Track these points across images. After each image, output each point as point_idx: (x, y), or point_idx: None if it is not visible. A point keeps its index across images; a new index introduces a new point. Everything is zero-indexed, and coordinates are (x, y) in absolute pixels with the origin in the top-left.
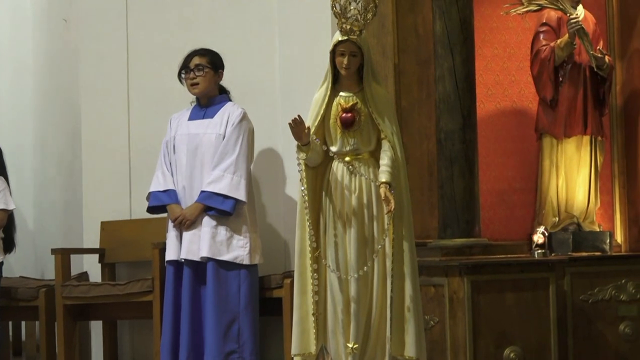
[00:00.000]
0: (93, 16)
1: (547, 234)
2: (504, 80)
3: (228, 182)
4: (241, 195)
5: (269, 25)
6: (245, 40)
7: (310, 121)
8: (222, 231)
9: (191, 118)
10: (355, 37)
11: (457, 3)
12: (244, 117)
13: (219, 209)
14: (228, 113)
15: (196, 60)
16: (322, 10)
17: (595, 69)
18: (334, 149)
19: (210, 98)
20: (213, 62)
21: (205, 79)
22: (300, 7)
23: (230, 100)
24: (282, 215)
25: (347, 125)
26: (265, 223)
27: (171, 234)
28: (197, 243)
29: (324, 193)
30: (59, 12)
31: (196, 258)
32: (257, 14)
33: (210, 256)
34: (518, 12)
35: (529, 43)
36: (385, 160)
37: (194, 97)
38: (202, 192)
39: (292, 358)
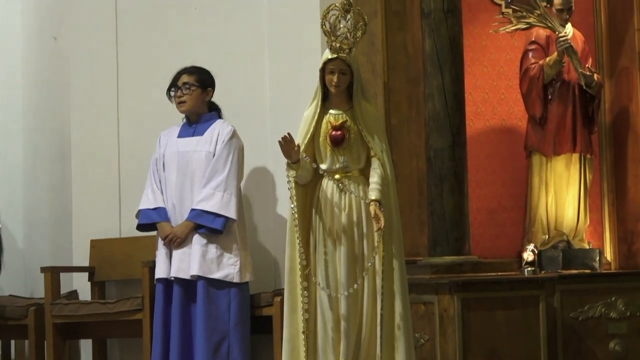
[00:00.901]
0: (83, 34)
1: (537, 252)
2: (493, 98)
3: (218, 200)
4: (231, 213)
5: (259, 43)
6: (235, 58)
7: (300, 139)
8: (213, 249)
9: (180, 135)
10: (345, 55)
11: (446, 21)
12: (234, 135)
13: (209, 227)
14: (218, 130)
15: (184, 78)
16: (312, 28)
17: (584, 87)
18: (323, 166)
19: (199, 115)
20: (201, 80)
21: (191, 97)
22: (290, 25)
23: (221, 118)
24: (272, 233)
25: (337, 142)
26: (255, 241)
27: (161, 252)
28: (187, 261)
29: (314, 211)
30: (48, 29)
31: (186, 276)
32: (247, 31)
33: (201, 274)
34: (507, 30)
35: (518, 61)
36: (375, 177)
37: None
38: (192, 210)
39: None
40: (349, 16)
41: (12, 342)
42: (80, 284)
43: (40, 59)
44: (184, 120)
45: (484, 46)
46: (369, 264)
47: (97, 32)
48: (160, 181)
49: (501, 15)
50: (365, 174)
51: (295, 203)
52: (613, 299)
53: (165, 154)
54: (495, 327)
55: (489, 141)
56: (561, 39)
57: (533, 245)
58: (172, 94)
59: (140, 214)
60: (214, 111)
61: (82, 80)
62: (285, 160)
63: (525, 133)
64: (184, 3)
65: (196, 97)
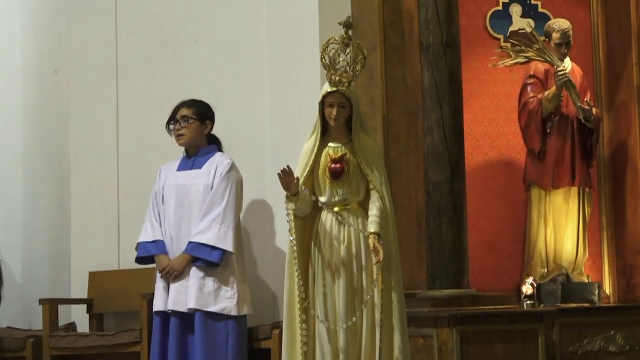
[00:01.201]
0: (83, 67)
1: (535, 285)
2: (492, 131)
3: (215, 233)
4: (228, 245)
5: (259, 76)
6: (235, 91)
7: (299, 171)
8: (210, 282)
9: (180, 168)
10: (344, 88)
11: (445, 55)
12: (232, 167)
13: (206, 259)
14: (216, 163)
15: (183, 111)
16: (311, 61)
17: (582, 121)
18: (322, 199)
19: (198, 148)
20: (199, 113)
21: (190, 130)
22: (289, 58)
23: (221, 151)
24: (271, 266)
25: (336, 175)
26: (254, 273)
27: (159, 285)
28: (185, 294)
29: (312, 243)
30: (49, 62)
31: (183, 309)
32: (247, 64)
33: (198, 307)
34: (506, 64)
35: (516, 95)
36: (374, 210)
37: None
38: (190, 242)
39: None
40: (348, 50)
41: None
42: (79, 316)
43: (41, 92)
44: (184, 153)
45: (483, 80)
46: (368, 297)
47: (98, 66)
48: (159, 214)
49: (500, 49)
50: (364, 206)
51: (294, 235)
52: (612, 332)
53: (164, 187)
54: None
55: (488, 174)
56: (560, 73)
57: (532, 278)
58: (171, 127)
59: (139, 246)
60: (214, 144)
61: (82, 113)
62: (285, 193)
63: (524, 166)
64: (184, 37)
65: (194, 129)
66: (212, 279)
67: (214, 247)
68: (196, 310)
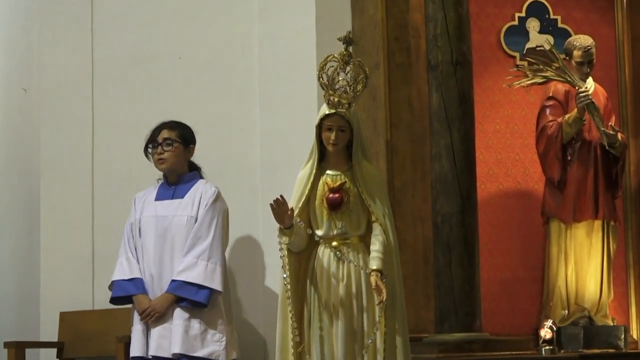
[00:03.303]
0: (55, 85)
1: (555, 329)
2: (506, 158)
3: (202, 270)
4: (217, 284)
5: (249, 96)
6: (222, 112)
7: (294, 202)
8: (196, 324)
9: (158, 198)
10: (344, 110)
11: (455, 75)
12: (218, 197)
13: (192, 300)
14: (200, 192)
15: (165, 133)
16: (308, 80)
17: (606, 147)
18: (319, 232)
19: (179, 175)
20: (183, 136)
21: (173, 154)
22: (284, 76)
23: (202, 178)
24: (261, 307)
25: (335, 206)
26: (241, 316)
27: (137, 328)
28: (168, 338)
29: (308, 281)
30: (18, 80)
31: (167, 355)
32: (235, 82)
33: (184, 352)
34: (522, 84)
35: (533, 118)
36: (376, 245)
37: (161, 174)
38: (173, 281)
39: None
40: (348, 68)
41: None
42: None
43: (9, 114)
44: (160, 180)
45: (497, 102)
46: (369, 341)
47: (71, 84)
48: (136, 249)
49: (515, 68)
50: (365, 241)
51: (288, 273)
52: None
53: (141, 218)
54: None
55: (502, 206)
56: (581, 94)
57: (551, 321)
58: (150, 150)
59: (114, 285)
60: (194, 170)
61: (53, 136)
62: (277, 226)
63: (542, 197)
64: (167, 53)
65: (178, 154)
66: (198, 321)
67: (200, 286)
68: (181, 355)
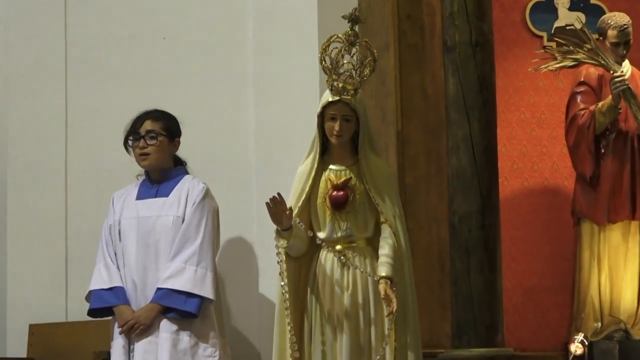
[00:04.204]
0: (24, 71)
1: (587, 343)
2: (532, 151)
3: (191, 276)
4: (208, 291)
5: (242, 81)
6: (211, 100)
7: (293, 201)
8: (185, 337)
9: (140, 197)
10: (349, 97)
11: (474, 57)
12: (207, 194)
13: (181, 309)
14: (187, 190)
15: (148, 125)
16: (308, 64)
17: None
18: (322, 235)
19: (163, 172)
20: (168, 128)
21: (158, 148)
22: (281, 59)
23: (188, 174)
24: (255, 318)
25: (339, 205)
26: (233, 328)
27: (117, 342)
28: (154, 353)
29: (309, 290)
30: None
31: None
32: (227, 66)
33: None
34: (550, 68)
35: (563, 106)
36: (385, 249)
37: (142, 170)
38: (159, 289)
39: None
40: (354, 50)
41: None
42: None
43: None
44: (140, 178)
45: (522, 87)
46: (378, 357)
47: (42, 69)
48: (116, 254)
49: (543, 50)
50: (373, 244)
51: (286, 280)
52: None
53: (121, 220)
54: None
55: (527, 205)
56: (617, 79)
57: (582, 335)
58: (131, 144)
59: (91, 295)
60: (179, 165)
61: (21, 127)
62: (274, 227)
63: (572, 196)
64: (149, 34)
65: (163, 148)
66: (187, 333)
67: (189, 294)
68: None
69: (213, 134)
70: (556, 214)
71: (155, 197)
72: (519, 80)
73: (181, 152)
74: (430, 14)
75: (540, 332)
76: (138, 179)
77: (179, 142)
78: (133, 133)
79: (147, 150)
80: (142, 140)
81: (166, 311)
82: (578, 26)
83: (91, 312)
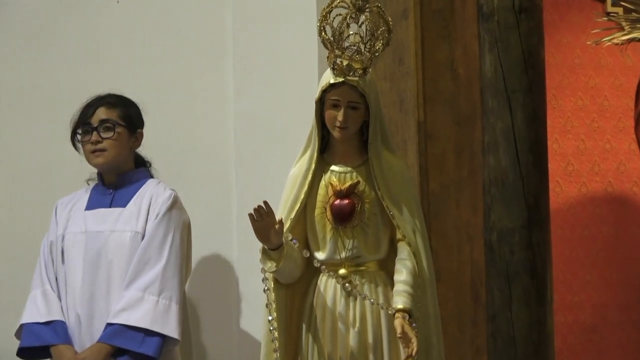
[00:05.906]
0: None
1: None
2: (593, 148)
3: (151, 309)
4: (172, 329)
5: (219, 59)
6: (181, 82)
7: (284, 212)
8: None
9: (91, 206)
10: (356, 78)
11: (518, 27)
12: (175, 203)
13: (137, 352)
14: (150, 197)
15: (102, 113)
16: (304, 36)
17: None
18: (321, 255)
19: (121, 175)
20: (128, 117)
21: (116, 143)
22: (268, 30)
23: (152, 177)
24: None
25: (343, 218)
26: None
27: None
28: None
29: (304, 327)
30: None
31: None
32: (200, 40)
33: None
34: (615, 41)
35: (632, 90)
36: (403, 274)
37: (95, 171)
38: (109, 325)
39: None
40: (362, 17)
41: None
42: None
43: None
44: (94, 181)
45: (579, 66)
46: None
47: None
48: (57, 279)
49: (605, 18)
50: (387, 268)
51: (275, 314)
52: None
53: (65, 235)
54: None
55: (586, 217)
56: None
57: None
58: (80, 137)
59: (23, 331)
60: (141, 166)
61: None
62: (260, 245)
63: None
64: None
65: (122, 143)
66: None
67: (148, 332)
68: None
69: (182, 126)
70: (623, 229)
71: (110, 206)
72: (576, 57)
73: (143, 150)
74: None
75: None
76: (88, 184)
77: (141, 135)
78: (83, 124)
79: (101, 146)
80: (94, 132)
81: (118, 353)
82: None
83: (21, 352)
